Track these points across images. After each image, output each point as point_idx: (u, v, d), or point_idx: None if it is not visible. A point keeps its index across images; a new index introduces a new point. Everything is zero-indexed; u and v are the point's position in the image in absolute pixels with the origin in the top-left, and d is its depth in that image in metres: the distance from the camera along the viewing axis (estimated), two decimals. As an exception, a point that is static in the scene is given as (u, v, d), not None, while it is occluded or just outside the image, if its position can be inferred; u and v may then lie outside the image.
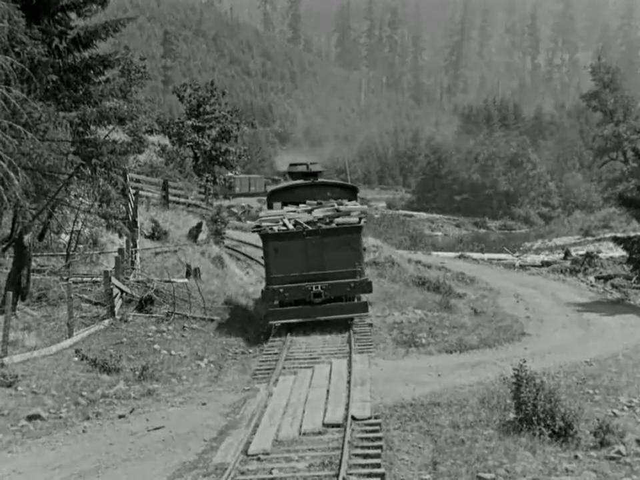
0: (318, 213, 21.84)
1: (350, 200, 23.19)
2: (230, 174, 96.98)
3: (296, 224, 21.30)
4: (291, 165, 26.38)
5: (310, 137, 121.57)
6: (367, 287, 21.15)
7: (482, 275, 33.67)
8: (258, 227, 21.77)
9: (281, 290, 20.70)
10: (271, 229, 21.27)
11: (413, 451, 12.56)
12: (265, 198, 30.52)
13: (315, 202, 22.63)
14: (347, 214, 21.64)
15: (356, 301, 21.44)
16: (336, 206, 22.20)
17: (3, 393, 15.39)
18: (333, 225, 21.22)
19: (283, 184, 26.49)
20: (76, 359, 17.72)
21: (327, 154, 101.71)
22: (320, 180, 24.67)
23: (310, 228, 21.10)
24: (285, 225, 21.36)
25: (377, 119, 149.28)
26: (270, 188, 28.31)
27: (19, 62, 17.68)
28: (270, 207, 23.79)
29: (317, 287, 20.67)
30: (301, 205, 22.77)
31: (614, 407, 14.92)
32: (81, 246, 24.82)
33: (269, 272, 21.18)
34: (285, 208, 22.90)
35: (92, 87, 21.54)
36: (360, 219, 21.47)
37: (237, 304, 24.61)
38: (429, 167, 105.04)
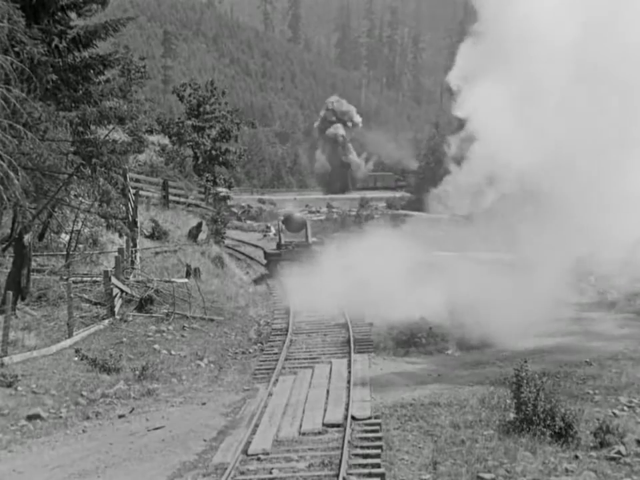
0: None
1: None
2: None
3: None
4: None
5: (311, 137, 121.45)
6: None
7: (482, 274, 33.55)
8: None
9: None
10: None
11: (413, 451, 12.55)
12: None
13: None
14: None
15: None
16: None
17: (3, 392, 15.37)
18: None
19: None
20: (76, 358, 17.71)
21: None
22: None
23: None
24: None
25: (377, 118, 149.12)
26: None
27: (19, 62, 17.63)
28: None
29: None
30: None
31: (614, 407, 14.88)
32: (80, 246, 24.78)
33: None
34: None
35: (92, 86, 21.50)
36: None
37: (236, 304, 24.59)
38: (428, 167, 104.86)
